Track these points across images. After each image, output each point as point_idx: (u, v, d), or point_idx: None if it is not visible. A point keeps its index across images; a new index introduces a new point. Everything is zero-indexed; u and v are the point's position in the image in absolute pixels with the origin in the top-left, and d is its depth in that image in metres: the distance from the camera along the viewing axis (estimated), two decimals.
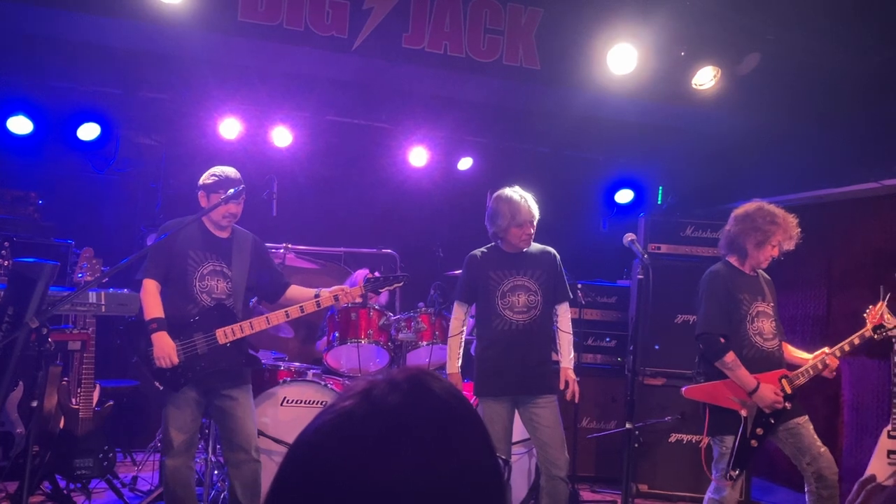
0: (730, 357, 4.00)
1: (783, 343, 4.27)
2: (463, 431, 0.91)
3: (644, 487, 5.92)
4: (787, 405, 4.04)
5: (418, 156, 6.90)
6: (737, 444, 4.00)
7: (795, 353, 4.29)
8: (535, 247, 4.43)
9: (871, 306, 4.16)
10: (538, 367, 4.29)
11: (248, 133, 6.41)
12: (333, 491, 0.84)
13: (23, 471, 3.49)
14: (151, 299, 4.07)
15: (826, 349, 4.16)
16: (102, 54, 5.53)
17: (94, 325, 4.63)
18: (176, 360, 4.01)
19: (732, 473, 3.99)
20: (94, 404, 4.79)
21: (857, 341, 4.12)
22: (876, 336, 4.11)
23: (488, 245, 4.49)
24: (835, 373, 4.20)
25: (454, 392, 0.94)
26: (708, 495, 4.13)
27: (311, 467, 0.88)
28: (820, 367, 4.12)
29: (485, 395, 4.33)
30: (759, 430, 4.03)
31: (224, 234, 4.29)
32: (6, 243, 5.11)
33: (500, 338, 4.28)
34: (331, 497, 0.84)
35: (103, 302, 3.57)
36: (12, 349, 3.12)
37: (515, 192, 4.37)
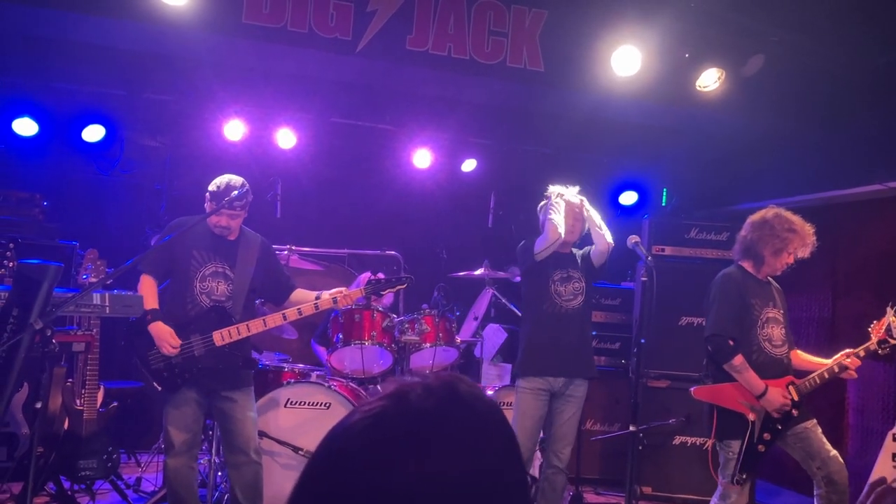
0: (738, 360, 3.99)
1: (794, 350, 4.26)
2: (494, 441, 0.91)
3: (648, 490, 5.91)
4: (795, 412, 4.03)
5: (422, 157, 6.90)
6: (744, 448, 3.98)
7: (809, 358, 4.27)
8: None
9: (875, 321, 4.14)
10: (580, 350, 4.61)
11: (252, 135, 6.41)
12: (360, 490, 0.85)
13: (27, 471, 3.50)
14: (146, 292, 4.10)
15: (847, 351, 4.12)
16: (107, 56, 5.54)
17: (99, 326, 4.64)
18: (178, 343, 4.05)
19: (740, 478, 3.98)
20: (98, 405, 4.79)
21: (862, 353, 4.11)
22: (881, 351, 4.10)
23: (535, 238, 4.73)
24: (855, 374, 4.17)
25: (488, 401, 0.94)
26: (714, 500, 4.12)
27: (340, 465, 0.88)
28: (826, 375, 4.09)
29: (526, 374, 4.58)
30: (767, 436, 4.02)
31: (231, 237, 4.29)
32: (11, 245, 5.12)
33: (549, 321, 4.58)
34: (357, 496, 0.85)
35: (108, 303, 3.57)
36: (17, 351, 3.13)
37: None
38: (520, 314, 5.27)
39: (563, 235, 4.53)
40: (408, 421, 0.88)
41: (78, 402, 4.75)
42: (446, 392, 0.91)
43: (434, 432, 0.87)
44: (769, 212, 4.21)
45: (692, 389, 4.22)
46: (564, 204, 4.61)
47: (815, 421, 4.10)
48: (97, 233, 6.04)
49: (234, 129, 6.30)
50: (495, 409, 0.95)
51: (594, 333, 6.36)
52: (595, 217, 4.68)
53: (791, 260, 4.17)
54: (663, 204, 7.52)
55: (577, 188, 4.75)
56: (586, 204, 4.70)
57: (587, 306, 4.74)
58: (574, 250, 4.77)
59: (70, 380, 4.78)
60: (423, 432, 0.87)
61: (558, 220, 4.55)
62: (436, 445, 0.86)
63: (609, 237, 4.65)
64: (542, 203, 4.75)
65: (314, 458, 0.92)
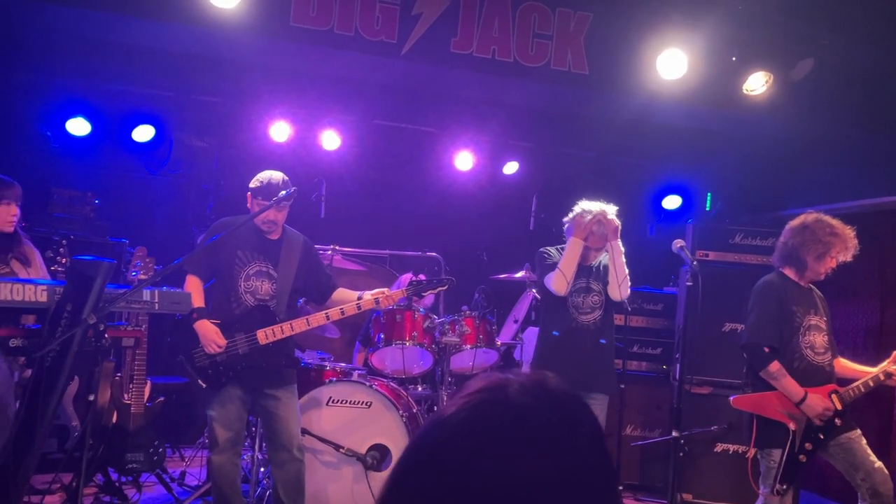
0: (774, 366, 3.94)
1: (838, 359, 4.19)
2: (588, 436, 0.93)
3: (688, 497, 5.84)
4: (838, 421, 3.96)
5: (464, 160, 6.92)
6: (784, 458, 3.93)
7: (853, 366, 4.20)
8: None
9: None
10: (593, 364, 4.53)
11: (297, 136, 6.50)
12: (460, 480, 0.87)
13: (78, 463, 3.60)
14: (192, 291, 4.17)
15: (890, 363, 4.05)
16: (157, 58, 5.67)
17: (147, 322, 4.74)
18: (223, 342, 4.11)
19: (780, 488, 3.92)
20: (145, 400, 4.89)
21: None
22: None
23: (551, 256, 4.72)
24: None
25: (581, 399, 0.97)
26: None
27: (439, 456, 0.90)
28: (871, 384, 4.02)
29: None
30: (808, 445, 3.95)
31: (274, 236, 4.35)
32: (64, 242, 5.26)
33: (563, 333, 4.56)
34: (457, 486, 0.87)
35: (157, 300, 3.64)
36: (70, 344, 3.21)
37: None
38: None
39: (568, 287, 4.51)
40: (508, 414, 0.90)
41: (126, 396, 4.86)
42: (541, 388, 0.94)
43: (531, 428, 0.89)
44: (809, 217, 4.15)
45: (731, 398, 4.17)
46: (581, 245, 4.54)
47: (859, 431, 4.02)
48: (145, 231, 6.17)
49: (280, 131, 6.39)
50: (586, 407, 0.97)
51: (635, 339, 6.35)
52: (618, 261, 4.57)
53: (834, 264, 4.10)
54: (707, 209, 7.44)
55: (614, 208, 4.63)
56: (618, 245, 4.59)
57: (607, 320, 4.66)
58: (605, 258, 4.70)
59: (118, 374, 4.89)
60: (520, 428, 0.89)
61: (566, 267, 4.50)
62: (535, 439, 0.88)
63: (623, 293, 4.56)
64: (568, 218, 4.69)
65: (411, 450, 0.94)
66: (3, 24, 5.25)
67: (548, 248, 4.78)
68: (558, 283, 4.51)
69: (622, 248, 4.64)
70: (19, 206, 4.25)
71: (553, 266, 4.60)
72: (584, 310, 4.59)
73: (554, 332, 4.60)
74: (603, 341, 4.62)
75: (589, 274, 4.64)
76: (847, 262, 4.13)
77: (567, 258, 4.53)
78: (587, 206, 4.61)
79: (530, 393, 0.92)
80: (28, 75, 5.88)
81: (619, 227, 4.62)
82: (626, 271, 4.61)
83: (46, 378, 3.16)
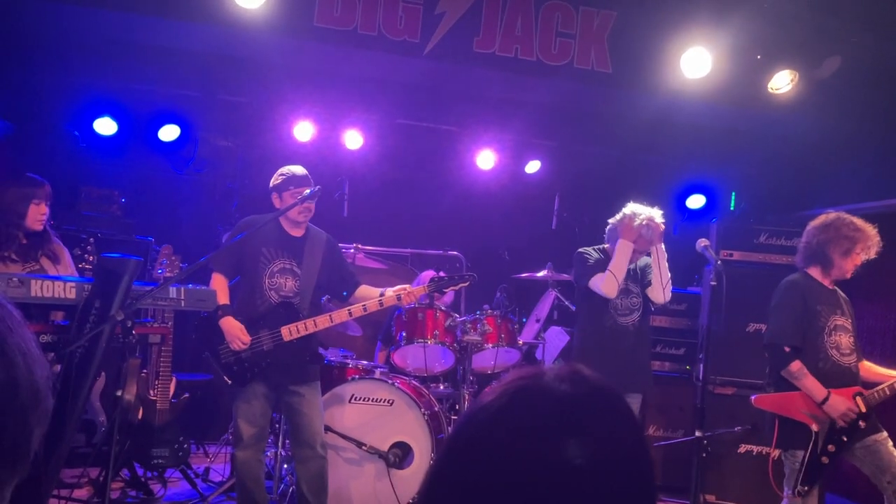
0: (795, 366, 3.91)
1: (863, 361, 4.15)
2: (625, 424, 0.95)
3: (711, 498, 5.81)
4: (862, 423, 3.92)
5: (486, 159, 6.93)
6: (806, 459, 3.90)
7: (878, 370, 4.15)
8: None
9: None
10: (631, 366, 4.58)
11: (320, 136, 6.54)
12: (500, 469, 0.89)
13: (105, 458, 3.65)
14: (217, 288, 4.21)
15: None
16: (183, 58, 5.73)
17: (173, 319, 4.79)
18: (248, 339, 4.15)
19: (801, 489, 3.89)
20: (170, 396, 4.95)
21: None
22: None
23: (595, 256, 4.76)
24: None
25: (617, 391, 0.98)
26: None
27: (479, 444, 0.92)
28: None
29: None
30: (831, 447, 3.92)
31: (298, 233, 4.39)
32: (91, 239, 5.34)
33: (602, 334, 4.62)
34: (497, 474, 0.89)
35: (183, 297, 3.69)
36: (98, 340, 3.26)
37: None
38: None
39: (619, 289, 4.53)
40: (548, 399, 0.92)
41: (152, 392, 4.92)
42: (577, 376, 0.96)
43: (572, 415, 0.91)
44: (829, 216, 4.14)
45: (753, 398, 4.14)
46: (631, 247, 4.56)
47: (885, 434, 3.98)
48: (171, 229, 6.25)
49: (304, 131, 6.44)
50: (621, 396, 0.99)
51: (658, 339, 6.32)
52: (662, 264, 4.62)
53: (859, 261, 4.07)
54: (732, 208, 7.38)
55: (660, 212, 4.67)
56: (662, 249, 4.65)
57: (645, 321, 4.71)
58: (643, 260, 4.73)
59: (144, 371, 4.95)
60: (561, 414, 0.91)
61: (618, 270, 4.51)
62: (574, 429, 0.90)
63: (666, 296, 4.64)
64: (616, 220, 4.70)
65: (454, 436, 0.96)
66: (32, 26, 5.33)
67: (587, 248, 4.79)
68: (609, 285, 4.52)
69: (666, 253, 4.66)
70: (49, 205, 4.30)
71: (596, 267, 4.61)
72: (623, 311, 4.63)
73: (593, 334, 4.66)
74: (641, 343, 4.69)
75: (628, 276, 4.65)
76: (871, 261, 4.10)
77: (618, 260, 4.55)
78: (637, 210, 4.63)
79: (567, 381, 0.94)
80: (56, 76, 5.97)
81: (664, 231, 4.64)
82: (670, 275, 4.64)
83: (75, 374, 3.22)
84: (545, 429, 0.89)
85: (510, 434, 0.90)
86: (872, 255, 4.08)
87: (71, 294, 3.35)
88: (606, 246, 4.80)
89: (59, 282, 3.36)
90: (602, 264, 4.64)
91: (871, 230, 4.06)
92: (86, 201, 5.88)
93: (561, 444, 0.88)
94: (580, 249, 4.80)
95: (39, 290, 3.28)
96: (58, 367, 3.49)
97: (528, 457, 0.88)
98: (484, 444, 0.92)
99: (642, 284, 4.67)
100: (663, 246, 4.66)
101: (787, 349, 3.97)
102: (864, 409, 3.91)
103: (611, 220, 4.75)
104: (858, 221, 4.07)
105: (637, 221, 4.57)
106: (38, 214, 4.23)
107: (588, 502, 0.87)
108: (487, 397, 0.96)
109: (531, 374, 0.97)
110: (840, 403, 3.87)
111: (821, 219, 4.15)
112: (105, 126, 6.20)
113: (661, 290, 4.61)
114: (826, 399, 3.87)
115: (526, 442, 0.89)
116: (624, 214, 4.65)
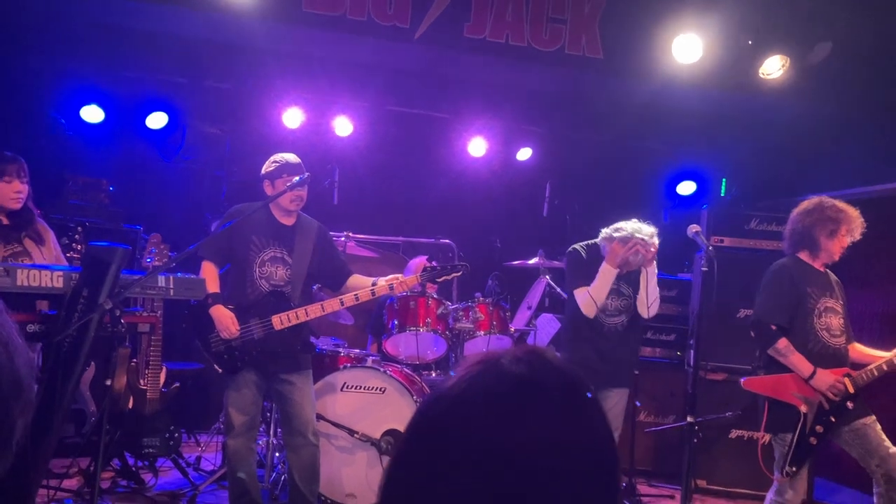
0: (782, 343, 3.94)
1: (853, 343, 4.17)
2: (585, 404, 0.95)
3: (703, 483, 5.84)
4: (850, 404, 3.95)
5: (477, 146, 6.90)
6: (795, 440, 3.92)
7: (868, 351, 4.17)
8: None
9: None
10: (616, 366, 4.56)
11: (310, 122, 6.50)
12: (457, 453, 0.89)
13: (95, 448, 3.62)
14: (207, 277, 4.19)
15: None
16: (170, 44, 5.67)
17: (162, 308, 4.76)
18: (237, 327, 4.12)
19: (789, 470, 3.91)
20: (161, 385, 4.93)
21: None
22: None
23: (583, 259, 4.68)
24: None
25: (575, 369, 0.98)
26: (770, 496, 4.06)
27: (437, 430, 0.92)
28: (885, 367, 3.99)
29: None
30: (819, 428, 3.94)
31: (289, 222, 4.35)
32: (79, 228, 5.29)
33: (588, 335, 4.58)
34: (455, 459, 0.88)
35: (172, 286, 3.66)
36: (87, 330, 3.23)
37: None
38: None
39: (597, 312, 4.49)
40: (505, 381, 0.92)
41: (142, 381, 4.89)
42: (535, 358, 0.95)
43: (528, 394, 0.91)
44: (812, 200, 4.17)
45: (742, 380, 4.17)
46: (614, 274, 4.46)
47: (873, 417, 4.00)
48: (159, 217, 6.19)
49: (293, 117, 6.39)
50: (582, 378, 0.98)
51: (648, 325, 6.32)
52: (651, 283, 4.52)
53: (846, 243, 4.09)
54: (722, 194, 7.38)
55: (653, 230, 4.51)
56: (653, 268, 4.53)
57: (635, 322, 4.66)
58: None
59: (134, 360, 4.92)
60: (518, 395, 0.91)
61: (598, 295, 4.45)
62: (531, 408, 0.90)
63: (651, 312, 4.57)
64: (607, 234, 4.54)
65: (414, 424, 0.96)
66: (17, 9, 5.26)
67: (580, 247, 4.68)
68: (588, 307, 4.49)
69: (657, 270, 4.58)
70: (25, 182, 4.12)
71: (582, 274, 4.55)
72: (612, 312, 4.59)
73: (579, 334, 4.63)
74: (628, 344, 4.66)
75: (621, 278, 4.58)
76: (864, 245, 4.11)
77: (599, 286, 4.46)
78: (628, 232, 4.44)
79: (525, 363, 0.94)
80: (42, 62, 5.89)
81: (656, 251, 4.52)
82: (658, 293, 4.59)
83: (64, 363, 3.19)
84: (502, 410, 0.90)
85: (467, 419, 0.90)
86: (857, 236, 4.11)
87: (58, 283, 3.32)
88: (600, 243, 4.66)
89: (46, 270, 3.32)
90: (590, 269, 4.54)
91: (854, 212, 4.09)
92: (73, 190, 5.82)
93: (518, 425, 0.88)
94: (573, 247, 4.72)
95: (26, 278, 3.24)
96: (37, 353, 3.46)
97: (486, 439, 0.88)
98: (443, 430, 0.92)
99: (635, 287, 4.60)
100: (654, 266, 4.55)
101: (773, 327, 3.99)
102: (852, 391, 3.94)
103: (604, 231, 4.58)
104: (841, 204, 4.10)
105: (624, 249, 4.43)
106: (10, 192, 4.05)
107: (547, 480, 0.87)
108: (447, 384, 0.96)
109: (488, 357, 0.97)
110: (827, 376, 3.91)
111: (804, 204, 4.19)
112: (92, 114, 6.14)
113: (645, 307, 4.56)
114: (813, 374, 3.90)
115: (483, 426, 0.89)
116: (612, 237, 4.49)
